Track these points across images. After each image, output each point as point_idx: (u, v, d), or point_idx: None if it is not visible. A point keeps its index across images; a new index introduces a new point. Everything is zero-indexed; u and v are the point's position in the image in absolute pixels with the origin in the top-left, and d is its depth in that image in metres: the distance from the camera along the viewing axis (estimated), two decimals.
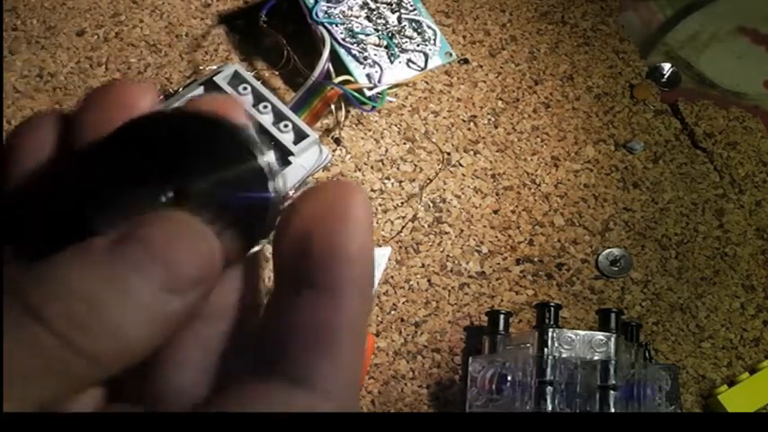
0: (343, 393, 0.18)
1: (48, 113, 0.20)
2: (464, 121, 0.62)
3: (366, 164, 0.59)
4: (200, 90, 0.55)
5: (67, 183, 0.19)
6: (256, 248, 0.19)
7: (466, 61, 0.64)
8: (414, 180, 0.59)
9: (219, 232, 0.19)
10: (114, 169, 0.19)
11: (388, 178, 0.59)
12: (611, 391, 0.46)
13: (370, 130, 0.61)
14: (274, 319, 0.19)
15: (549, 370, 0.46)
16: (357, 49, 0.59)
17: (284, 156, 0.52)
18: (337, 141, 0.60)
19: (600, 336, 0.47)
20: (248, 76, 0.55)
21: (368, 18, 0.60)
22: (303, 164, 0.52)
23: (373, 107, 0.57)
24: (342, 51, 0.58)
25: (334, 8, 0.60)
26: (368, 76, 0.58)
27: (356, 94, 0.56)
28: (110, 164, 0.19)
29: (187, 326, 0.19)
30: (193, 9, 0.65)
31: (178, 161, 0.19)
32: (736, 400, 0.52)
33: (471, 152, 0.61)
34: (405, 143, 0.60)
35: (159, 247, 0.17)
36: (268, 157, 0.20)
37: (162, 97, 0.59)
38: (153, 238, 0.17)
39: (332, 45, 0.57)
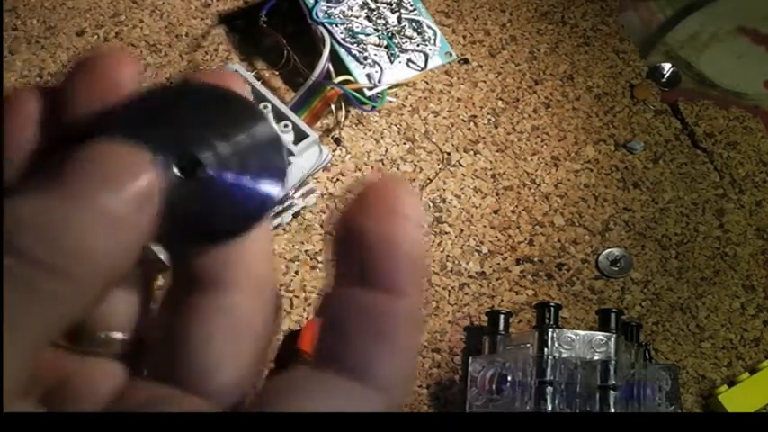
0: (398, 388, 0.19)
1: (28, 89, 0.20)
2: (464, 121, 0.62)
3: (366, 164, 0.59)
4: None
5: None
6: (277, 222, 0.20)
7: (466, 61, 0.64)
8: (414, 180, 0.59)
9: (235, 199, 0.19)
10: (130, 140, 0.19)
11: None
12: (611, 391, 0.46)
13: (370, 130, 0.61)
14: (331, 313, 0.19)
15: (549, 370, 0.46)
16: (357, 49, 0.59)
17: None
18: (337, 141, 0.60)
19: (600, 336, 0.47)
20: (248, 76, 0.55)
21: (368, 18, 0.60)
22: (303, 164, 0.52)
23: (373, 107, 0.57)
24: (342, 51, 0.58)
25: (334, 8, 0.60)
26: (368, 76, 0.58)
27: (356, 94, 0.56)
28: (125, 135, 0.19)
29: (209, 300, 0.19)
30: (193, 9, 0.65)
31: (194, 129, 0.19)
32: (736, 400, 0.52)
33: (471, 152, 0.61)
34: (405, 143, 0.60)
35: (103, 167, 0.17)
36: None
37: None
38: (92, 160, 0.17)
39: (332, 45, 0.57)
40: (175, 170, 0.19)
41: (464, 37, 0.66)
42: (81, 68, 0.20)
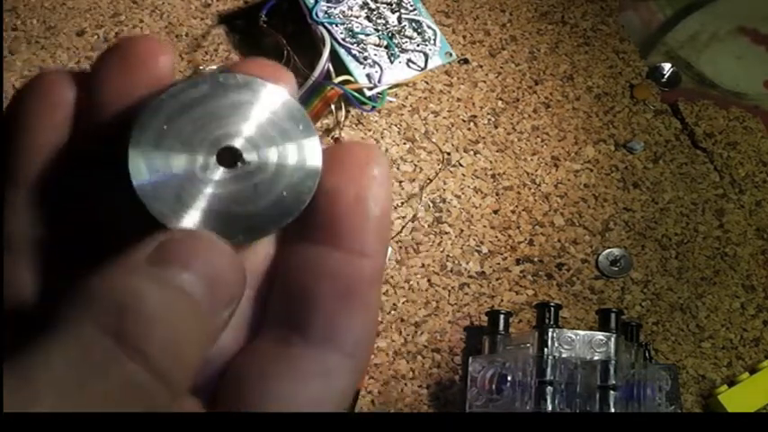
0: (365, 352, 0.19)
1: (59, 71, 0.19)
2: (464, 121, 0.62)
3: None
4: None
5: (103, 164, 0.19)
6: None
7: (466, 61, 0.64)
8: (414, 180, 0.59)
9: (270, 194, 0.19)
10: (165, 141, 0.19)
11: None
12: (611, 391, 0.46)
13: (370, 130, 0.61)
14: (297, 274, 0.19)
15: (549, 370, 0.46)
16: (357, 49, 0.59)
17: None
18: (337, 141, 0.60)
19: (600, 336, 0.47)
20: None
21: (368, 18, 0.60)
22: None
23: (373, 107, 0.57)
24: (342, 51, 0.58)
25: (334, 8, 0.60)
26: (368, 76, 0.58)
27: (356, 94, 0.56)
28: (159, 135, 0.19)
29: None
30: (193, 9, 0.65)
31: (236, 128, 0.19)
32: (736, 400, 0.52)
33: (471, 152, 0.61)
34: (405, 143, 0.60)
35: (202, 270, 0.17)
36: (303, 112, 0.20)
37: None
38: (190, 260, 0.17)
39: (332, 45, 0.57)
40: (218, 165, 0.19)
41: (464, 37, 0.66)
42: (114, 54, 0.19)
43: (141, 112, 0.19)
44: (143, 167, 0.18)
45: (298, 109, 0.20)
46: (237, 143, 0.19)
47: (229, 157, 0.19)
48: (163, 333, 0.15)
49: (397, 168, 0.59)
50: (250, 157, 0.19)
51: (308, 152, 0.19)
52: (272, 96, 0.20)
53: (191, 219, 0.18)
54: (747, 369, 0.54)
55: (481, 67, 0.64)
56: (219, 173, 0.19)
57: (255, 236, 0.19)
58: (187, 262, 0.17)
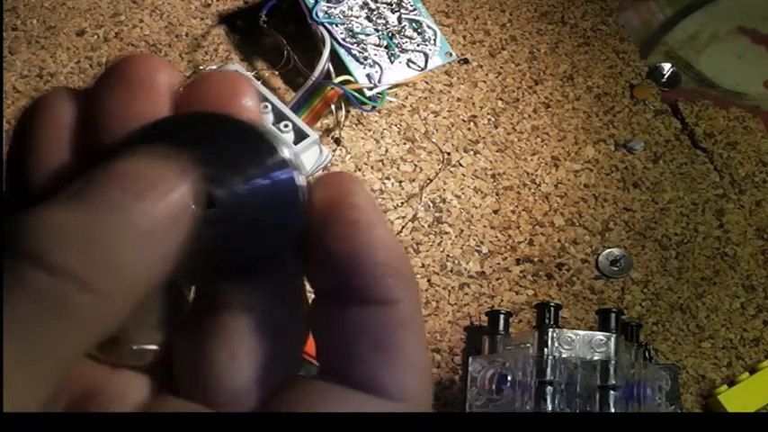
0: (416, 395, 0.19)
1: (62, 89, 0.19)
2: (464, 121, 0.62)
3: (366, 164, 0.59)
4: None
5: None
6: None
7: (466, 61, 0.64)
8: (414, 180, 0.59)
9: (253, 226, 0.18)
10: None
11: (388, 178, 0.59)
12: (611, 392, 0.46)
13: (370, 130, 0.61)
14: (329, 332, 0.19)
15: (549, 370, 0.46)
16: (357, 49, 0.59)
17: None
18: (337, 141, 0.60)
19: (600, 336, 0.47)
20: (248, 76, 0.55)
21: (368, 18, 0.60)
22: (303, 163, 0.52)
23: (373, 107, 0.57)
24: (342, 51, 0.58)
25: (335, 8, 0.59)
26: (368, 76, 0.58)
27: (356, 94, 0.56)
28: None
29: (233, 322, 0.19)
30: (193, 9, 0.65)
31: (204, 158, 0.18)
32: (736, 400, 0.52)
33: (471, 152, 0.61)
34: (405, 143, 0.60)
35: (136, 181, 0.16)
36: (290, 149, 0.19)
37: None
38: (125, 174, 0.16)
39: (332, 45, 0.57)
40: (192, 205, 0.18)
41: (464, 37, 0.66)
42: (114, 73, 0.19)
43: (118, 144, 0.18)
44: None
45: (264, 133, 0.19)
46: (213, 188, 0.18)
47: (203, 200, 0.18)
48: (71, 243, 0.15)
49: (397, 168, 0.59)
50: (221, 193, 0.18)
51: (281, 186, 0.19)
52: (254, 139, 0.19)
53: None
54: (747, 369, 0.54)
55: (481, 67, 0.64)
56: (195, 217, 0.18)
57: (234, 278, 0.19)
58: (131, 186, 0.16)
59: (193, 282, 0.19)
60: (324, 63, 0.55)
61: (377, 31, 0.60)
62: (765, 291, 0.57)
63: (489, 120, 0.62)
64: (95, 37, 0.63)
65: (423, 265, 0.56)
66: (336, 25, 0.59)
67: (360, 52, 0.59)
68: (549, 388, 0.46)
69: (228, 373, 0.18)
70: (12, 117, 0.59)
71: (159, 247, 0.16)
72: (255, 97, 0.19)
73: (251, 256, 0.18)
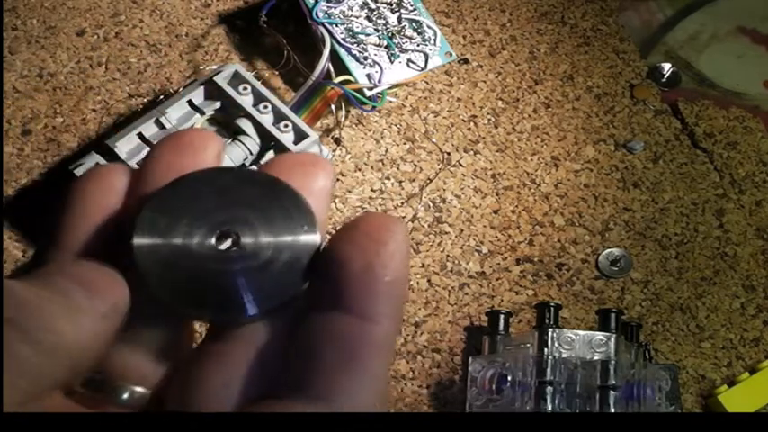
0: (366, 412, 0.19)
1: (117, 165, 0.22)
2: (464, 121, 0.62)
3: (366, 164, 0.59)
4: (201, 90, 0.55)
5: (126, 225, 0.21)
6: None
7: (466, 61, 0.64)
8: (414, 180, 0.59)
9: (269, 272, 0.20)
10: (175, 212, 0.20)
11: (388, 178, 0.59)
12: (611, 392, 0.46)
13: (370, 130, 0.61)
14: (305, 338, 0.20)
15: (549, 370, 0.46)
16: (357, 49, 0.59)
17: None
18: (337, 141, 0.60)
19: (600, 336, 0.47)
20: (248, 76, 0.55)
21: (368, 18, 0.60)
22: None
23: (373, 107, 0.57)
24: (342, 51, 0.58)
25: (335, 8, 0.59)
26: (368, 76, 0.58)
27: (356, 94, 0.56)
28: (172, 206, 0.20)
29: (231, 350, 0.20)
30: (193, 9, 0.65)
31: (243, 211, 0.21)
32: (736, 400, 0.52)
33: (471, 152, 0.61)
34: (405, 143, 0.60)
35: (88, 281, 0.19)
36: (318, 236, 0.21)
37: (162, 97, 0.59)
38: (80, 275, 0.19)
39: (332, 45, 0.57)
40: (213, 240, 0.20)
41: (464, 37, 0.66)
42: (168, 140, 0.21)
43: (163, 187, 0.20)
44: (145, 230, 0.20)
45: (306, 210, 0.21)
46: (238, 228, 0.20)
47: (228, 240, 0.20)
48: (34, 313, 0.18)
49: (397, 168, 0.59)
50: (246, 240, 0.20)
51: (303, 248, 0.21)
52: (286, 194, 0.21)
53: (171, 283, 0.20)
54: (747, 369, 0.54)
55: (481, 67, 0.64)
56: (214, 250, 0.20)
57: (247, 314, 0.20)
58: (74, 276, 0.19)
59: (212, 316, 0.20)
60: (324, 63, 0.55)
61: (377, 31, 0.60)
62: (765, 291, 0.57)
63: (489, 120, 0.62)
64: (95, 37, 0.63)
65: (423, 265, 0.56)
66: (336, 25, 0.59)
67: (360, 52, 0.59)
68: (549, 388, 0.46)
69: (219, 398, 0.19)
70: (12, 117, 0.59)
71: (93, 328, 0.19)
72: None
73: (250, 300, 0.20)
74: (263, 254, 0.20)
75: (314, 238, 0.21)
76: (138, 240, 0.20)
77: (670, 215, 0.59)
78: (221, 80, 0.54)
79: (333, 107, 0.58)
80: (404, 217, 0.57)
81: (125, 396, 0.20)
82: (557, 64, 0.65)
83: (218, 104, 0.54)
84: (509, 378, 0.47)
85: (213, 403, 0.19)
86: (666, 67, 0.67)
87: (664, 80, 0.66)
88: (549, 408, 0.46)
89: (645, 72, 0.66)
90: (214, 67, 0.59)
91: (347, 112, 0.60)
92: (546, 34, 0.67)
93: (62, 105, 0.59)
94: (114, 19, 0.64)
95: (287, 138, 0.53)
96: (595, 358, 0.47)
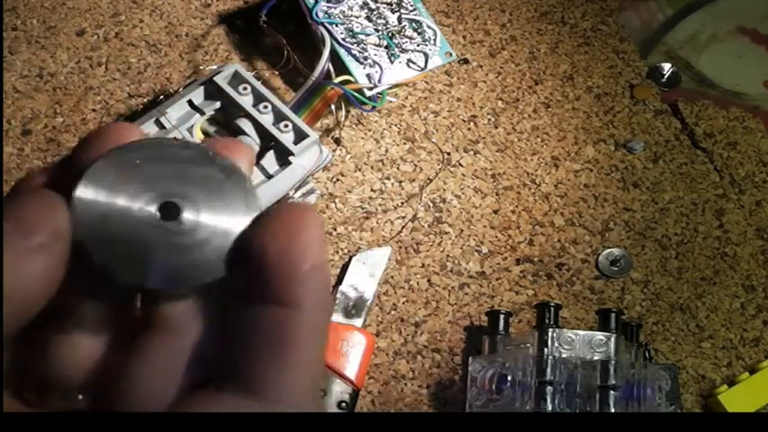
0: (296, 401, 0.19)
1: (39, 169, 0.23)
2: (464, 121, 0.62)
3: (366, 164, 0.59)
4: (201, 90, 0.55)
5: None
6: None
7: (466, 61, 0.64)
8: (414, 180, 0.59)
9: (192, 250, 0.20)
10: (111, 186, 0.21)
11: (388, 178, 0.59)
12: (611, 392, 0.46)
13: (370, 130, 0.61)
14: (229, 330, 0.20)
15: (549, 370, 0.46)
16: (357, 49, 0.59)
17: (284, 156, 0.52)
18: (337, 141, 0.60)
19: (600, 336, 0.47)
20: (248, 76, 0.55)
21: (368, 18, 0.60)
22: (303, 164, 0.52)
23: (373, 107, 0.57)
24: (342, 51, 0.58)
25: (335, 8, 0.59)
26: (368, 76, 0.58)
27: (356, 94, 0.56)
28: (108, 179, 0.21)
29: (153, 339, 0.20)
30: (193, 9, 0.65)
31: (187, 187, 0.21)
32: (736, 400, 0.52)
33: (471, 152, 0.61)
34: (405, 143, 0.60)
35: (20, 220, 0.20)
36: (253, 193, 0.21)
37: (162, 97, 0.59)
38: (16, 214, 0.20)
39: (332, 45, 0.57)
40: (154, 209, 0.20)
41: (464, 37, 0.66)
42: (90, 135, 0.22)
43: (102, 156, 0.21)
44: (89, 184, 0.20)
45: (248, 186, 0.21)
46: (181, 202, 0.21)
47: (170, 212, 0.21)
48: None
49: (398, 168, 0.59)
50: (187, 216, 0.21)
51: (239, 224, 0.21)
52: (229, 171, 0.21)
53: (113, 249, 0.20)
54: (747, 369, 0.54)
55: (481, 67, 0.64)
56: (153, 219, 0.20)
57: (177, 286, 0.20)
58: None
59: (143, 283, 0.21)
60: (324, 63, 0.55)
61: (377, 31, 0.60)
62: (765, 291, 0.57)
63: (489, 120, 0.62)
64: (95, 37, 0.63)
65: (423, 265, 0.56)
66: (336, 25, 0.59)
67: (360, 52, 0.59)
68: (549, 388, 0.46)
69: (153, 388, 0.20)
70: (12, 117, 0.59)
71: (36, 268, 0.19)
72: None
73: (198, 266, 0.20)
74: (199, 232, 0.21)
75: (247, 220, 0.21)
76: (81, 193, 0.20)
77: (670, 215, 0.59)
78: (221, 80, 0.54)
79: (333, 107, 0.58)
80: (404, 217, 0.57)
81: (69, 400, 0.20)
82: (557, 64, 0.65)
83: (218, 104, 0.54)
84: (509, 378, 0.47)
85: (147, 393, 0.20)
86: (666, 67, 0.67)
87: (664, 80, 0.66)
88: (549, 408, 0.46)
89: (645, 72, 0.66)
90: (214, 67, 0.59)
91: (347, 112, 0.60)
92: (546, 34, 0.67)
93: (62, 105, 0.60)
94: (114, 19, 0.64)
95: (287, 138, 0.53)
96: (595, 358, 0.47)
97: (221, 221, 0.21)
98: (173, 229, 0.20)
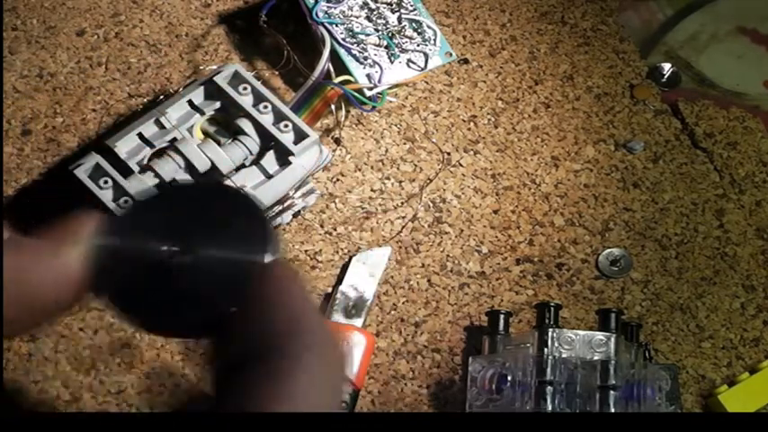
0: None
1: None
2: (464, 121, 0.62)
3: (366, 164, 0.59)
4: (201, 90, 0.55)
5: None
6: (277, 221, 0.22)
7: (466, 61, 0.64)
8: (414, 180, 0.59)
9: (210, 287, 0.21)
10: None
11: (388, 178, 0.59)
12: (611, 392, 0.46)
13: (370, 130, 0.61)
14: (239, 391, 0.21)
15: (548, 370, 0.46)
16: (357, 49, 0.59)
17: (284, 156, 0.52)
18: (337, 141, 0.60)
19: (600, 336, 0.47)
20: (248, 76, 0.55)
21: (368, 18, 0.60)
22: (303, 164, 0.52)
23: (373, 107, 0.57)
24: (342, 51, 0.58)
25: (335, 8, 0.59)
26: (368, 76, 0.58)
27: (356, 94, 0.56)
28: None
29: None
30: (193, 9, 0.65)
31: (188, 225, 0.22)
32: (736, 400, 0.52)
33: (471, 152, 0.61)
34: (405, 143, 0.60)
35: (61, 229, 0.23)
36: (270, 226, 0.22)
37: (162, 97, 0.60)
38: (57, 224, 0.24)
39: (332, 45, 0.57)
40: (169, 247, 0.21)
41: (464, 37, 0.66)
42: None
43: (143, 200, 0.22)
44: (107, 227, 0.21)
45: (266, 233, 0.22)
46: (193, 241, 0.21)
47: (182, 250, 0.21)
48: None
49: (397, 168, 0.59)
50: (203, 252, 0.21)
51: (248, 266, 0.21)
52: (247, 208, 0.22)
53: (113, 282, 0.21)
54: (747, 369, 0.54)
55: (481, 67, 0.64)
56: (160, 259, 0.21)
57: (181, 331, 0.21)
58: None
59: (147, 325, 0.22)
60: (324, 63, 0.55)
61: (377, 31, 0.60)
62: (765, 291, 0.57)
63: (489, 120, 0.62)
64: (95, 37, 0.63)
65: (423, 266, 0.56)
66: (336, 25, 0.59)
67: (360, 52, 0.59)
68: (549, 388, 0.46)
69: None
70: (12, 117, 0.59)
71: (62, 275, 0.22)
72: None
73: (198, 312, 0.21)
74: (211, 274, 0.21)
75: (258, 260, 0.21)
76: (97, 240, 0.21)
77: (670, 215, 0.59)
78: (221, 80, 0.54)
79: (333, 107, 0.58)
80: (404, 217, 0.57)
81: None
82: (557, 64, 0.65)
83: (218, 104, 0.54)
84: (509, 378, 0.47)
85: None
86: (666, 67, 0.67)
87: (664, 80, 0.66)
88: (549, 408, 0.46)
89: (645, 72, 0.66)
90: (214, 66, 0.59)
91: (347, 112, 0.60)
92: (546, 34, 0.67)
93: (62, 105, 0.60)
94: (114, 19, 0.64)
95: (287, 138, 0.53)
96: (595, 358, 0.47)
97: (236, 261, 0.21)
98: (175, 271, 0.21)
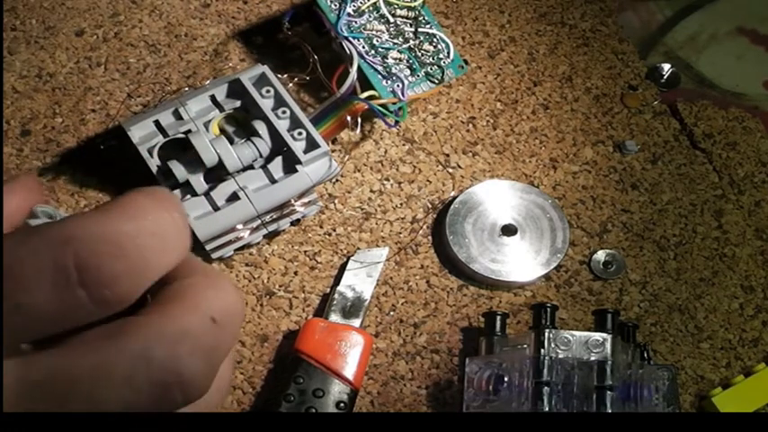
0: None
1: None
2: (463, 122, 0.62)
3: (365, 165, 0.59)
4: (225, 87, 0.55)
5: None
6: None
7: (465, 63, 0.64)
8: (413, 181, 0.59)
9: None
10: None
11: (387, 179, 0.59)
12: (608, 392, 0.46)
13: (369, 132, 0.61)
14: None
15: (545, 371, 0.46)
16: (380, 63, 0.58)
17: (292, 163, 0.52)
18: (334, 141, 0.60)
19: (596, 336, 0.47)
20: (274, 79, 0.55)
21: (387, 32, 0.60)
22: (309, 173, 0.52)
23: (396, 122, 0.57)
24: (365, 66, 0.58)
25: (355, 22, 0.59)
26: (392, 91, 0.58)
27: (383, 109, 0.56)
28: None
29: None
30: (193, 9, 0.66)
31: None
32: (729, 402, 0.52)
33: (470, 153, 0.61)
34: (404, 144, 0.60)
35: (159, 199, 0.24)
36: None
37: (187, 89, 0.60)
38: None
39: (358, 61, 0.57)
40: None
41: (463, 38, 0.66)
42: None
43: None
44: None
45: None
46: None
47: None
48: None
49: (397, 170, 0.59)
50: None
51: None
52: None
53: None
54: (746, 370, 0.54)
55: (480, 68, 0.65)
56: None
57: None
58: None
59: None
60: (352, 78, 0.54)
61: (396, 45, 0.60)
62: (764, 291, 0.57)
63: (488, 121, 0.62)
64: (94, 37, 0.63)
65: (422, 267, 0.56)
66: (359, 39, 0.58)
67: (383, 67, 0.58)
68: (546, 388, 0.46)
69: None
70: (11, 117, 0.59)
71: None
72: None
73: None
74: None
75: None
76: None
77: (668, 216, 0.60)
78: (246, 79, 0.54)
79: (359, 120, 0.57)
80: (403, 218, 0.58)
81: None
82: (555, 65, 0.65)
83: (238, 103, 0.55)
84: (506, 379, 0.48)
85: None
86: (666, 67, 0.67)
87: (663, 81, 0.66)
88: (546, 408, 0.46)
89: (644, 73, 0.66)
90: (236, 67, 0.59)
91: (362, 126, 0.60)
92: (545, 35, 0.67)
93: (61, 106, 0.60)
94: (113, 19, 0.64)
95: (298, 146, 0.53)
96: (592, 359, 0.47)
97: None
98: None
